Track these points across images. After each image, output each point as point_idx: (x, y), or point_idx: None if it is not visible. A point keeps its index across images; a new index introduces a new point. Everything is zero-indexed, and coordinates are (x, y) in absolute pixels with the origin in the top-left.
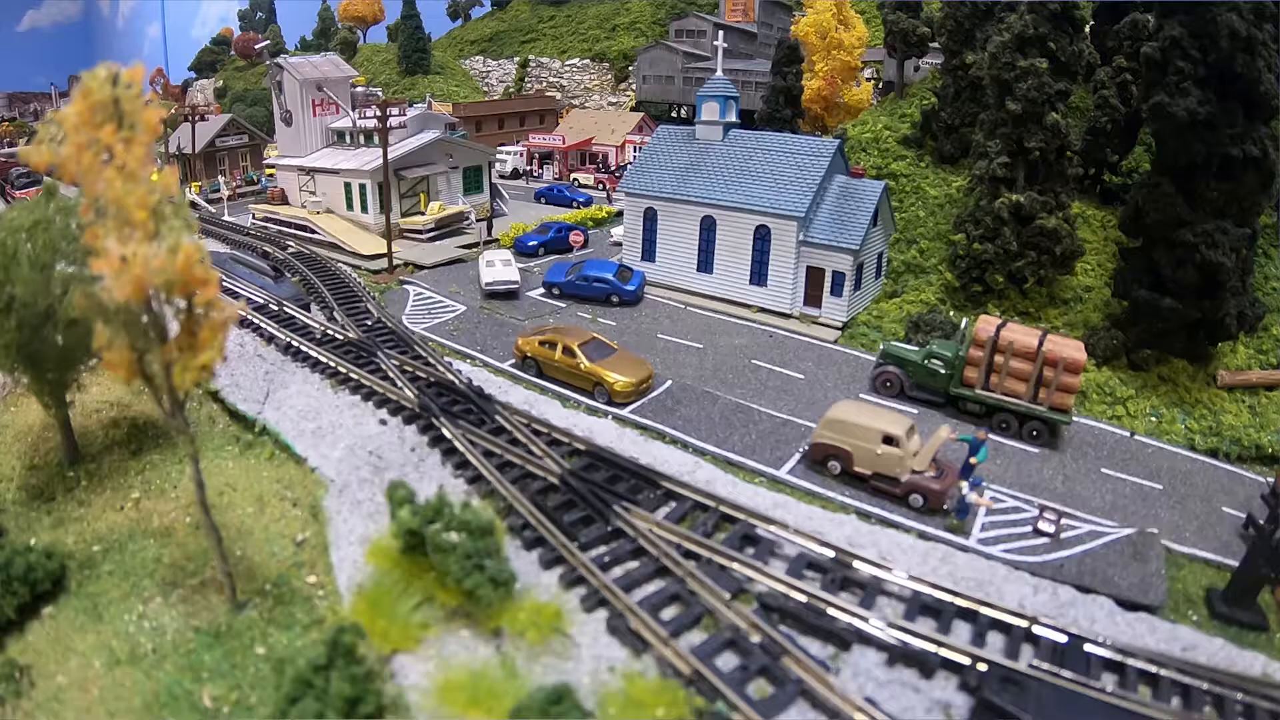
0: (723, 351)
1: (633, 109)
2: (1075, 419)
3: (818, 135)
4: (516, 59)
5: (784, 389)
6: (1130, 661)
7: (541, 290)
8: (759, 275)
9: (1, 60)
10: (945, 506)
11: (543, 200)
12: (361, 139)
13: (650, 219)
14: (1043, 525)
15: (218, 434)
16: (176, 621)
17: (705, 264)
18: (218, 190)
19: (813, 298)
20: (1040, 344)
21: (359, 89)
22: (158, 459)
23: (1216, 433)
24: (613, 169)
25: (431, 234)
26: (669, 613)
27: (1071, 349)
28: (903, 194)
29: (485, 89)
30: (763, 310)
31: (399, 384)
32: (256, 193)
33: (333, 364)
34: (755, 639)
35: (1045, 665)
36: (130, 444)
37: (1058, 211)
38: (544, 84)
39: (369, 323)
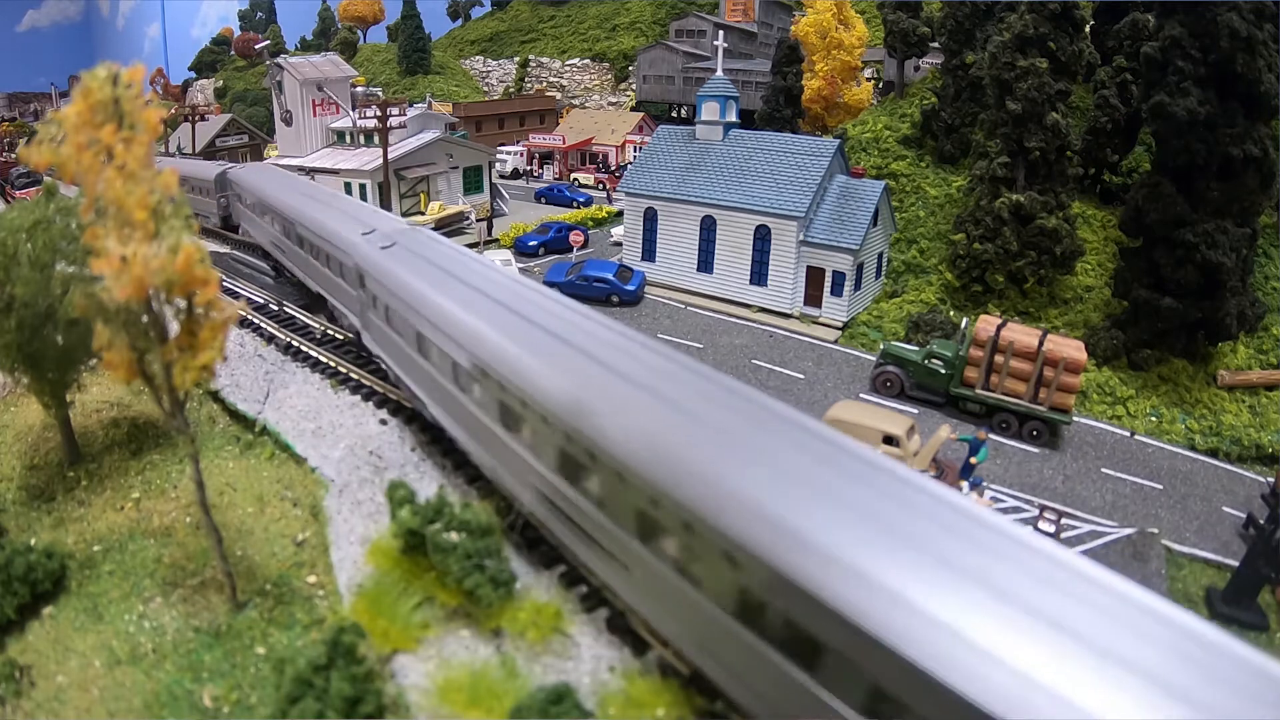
0: (723, 351)
1: (633, 109)
2: (1075, 419)
3: (818, 135)
4: (516, 59)
5: (784, 389)
6: None
7: None
8: (759, 275)
9: (1, 60)
10: None
11: (543, 200)
12: (361, 139)
13: (650, 219)
14: (1043, 525)
15: (218, 434)
16: (176, 621)
17: (705, 264)
18: None
19: (813, 297)
20: (1040, 344)
21: (359, 89)
22: (158, 459)
23: (1216, 433)
24: (613, 169)
25: None
26: None
27: (1072, 349)
28: (903, 194)
29: (485, 89)
30: (763, 310)
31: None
32: None
33: (333, 364)
34: None
35: None
36: (130, 444)
37: (1058, 211)
38: (544, 84)
39: None
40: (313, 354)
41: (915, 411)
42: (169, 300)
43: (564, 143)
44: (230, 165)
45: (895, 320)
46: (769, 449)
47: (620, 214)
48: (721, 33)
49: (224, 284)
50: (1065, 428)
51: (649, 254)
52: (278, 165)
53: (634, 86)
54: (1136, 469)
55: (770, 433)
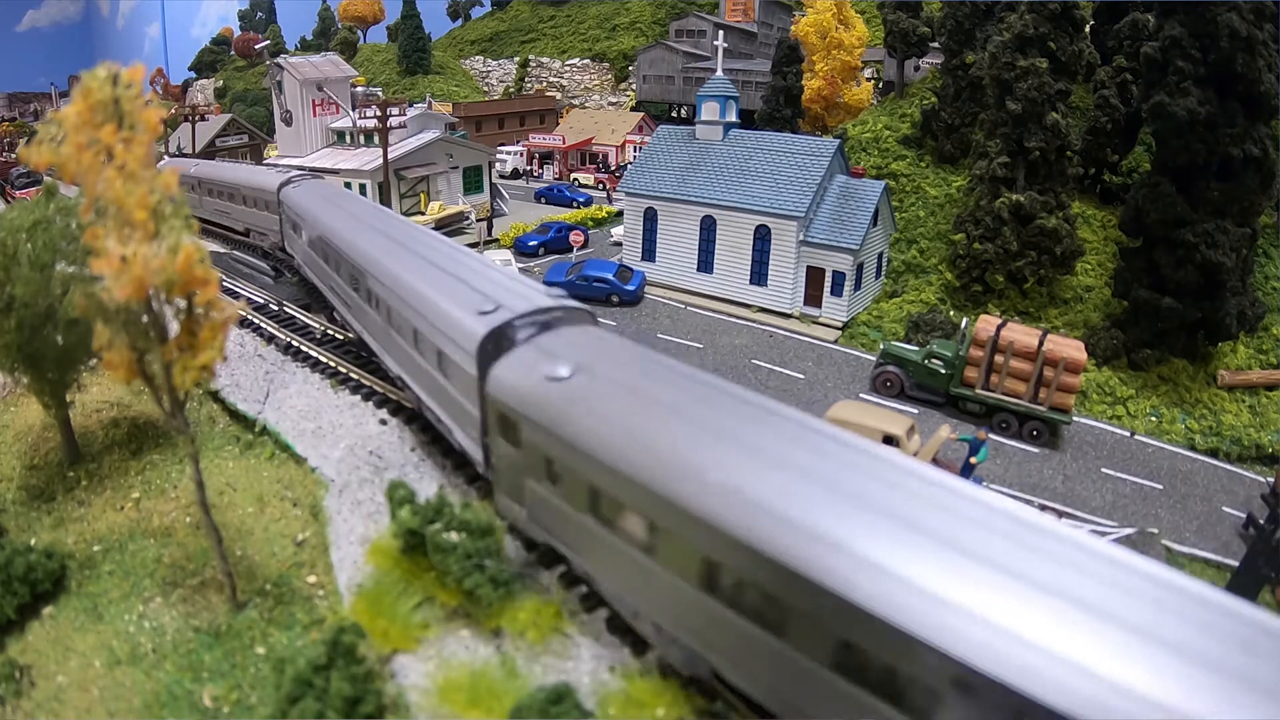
0: (723, 351)
1: (633, 109)
2: (1075, 419)
3: (818, 135)
4: (516, 59)
5: (784, 389)
6: None
7: None
8: (759, 275)
9: (1, 60)
10: None
11: (543, 200)
12: (361, 139)
13: (650, 219)
14: None
15: (218, 434)
16: (176, 621)
17: (705, 264)
18: None
19: (813, 297)
20: (1040, 344)
21: (359, 89)
22: (158, 459)
23: (1216, 433)
24: (613, 169)
25: None
26: None
27: (1072, 349)
28: (903, 194)
29: (485, 89)
30: (763, 310)
31: (399, 383)
32: None
33: (333, 364)
34: None
35: None
36: (130, 444)
37: (1058, 211)
38: (544, 84)
39: None
40: (313, 354)
41: (915, 411)
42: (169, 300)
43: (564, 143)
44: (292, 174)
45: (895, 320)
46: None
47: (620, 214)
48: (721, 33)
49: (224, 284)
50: (1065, 428)
51: (649, 254)
52: (335, 178)
53: (634, 86)
54: (1136, 469)
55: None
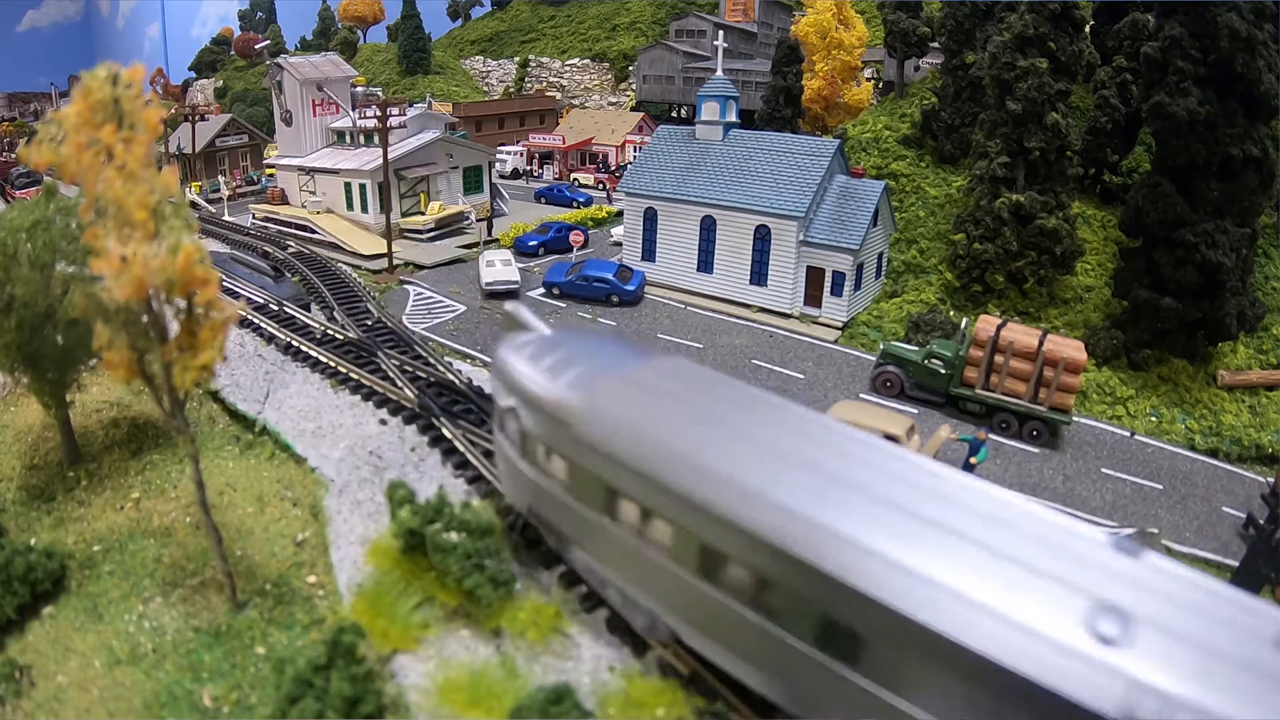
0: (723, 351)
1: (633, 109)
2: (1075, 419)
3: (818, 135)
4: (516, 59)
5: (784, 389)
6: None
7: (541, 290)
8: (759, 275)
9: (1, 60)
10: None
11: (543, 200)
12: (361, 139)
13: (650, 219)
14: None
15: (218, 434)
16: (176, 621)
17: (705, 264)
18: (218, 190)
19: (813, 298)
20: (1040, 344)
21: (359, 89)
22: (158, 459)
23: (1216, 433)
24: (613, 169)
25: (431, 234)
26: None
27: (1071, 349)
28: (903, 194)
29: (485, 89)
30: (763, 310)
31: (399, 384)
32: (257, 193)
33: (333, 364)
34: None
35: None
36: (130, 444)
37: (1058, 211)
38: (544, 84)
39: (369, 322)
40: (313, 354)
41: (915, 411)
42: (169, 300)
43: (564, 143)
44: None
45: (895, 320)
46: None
47: (620, 214)
48: (721, 33)
49: (224, 284)
50: (1065, 428)
51: (649, 254)
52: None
53: (634, 86)
54: (1136, 469)
55: None
